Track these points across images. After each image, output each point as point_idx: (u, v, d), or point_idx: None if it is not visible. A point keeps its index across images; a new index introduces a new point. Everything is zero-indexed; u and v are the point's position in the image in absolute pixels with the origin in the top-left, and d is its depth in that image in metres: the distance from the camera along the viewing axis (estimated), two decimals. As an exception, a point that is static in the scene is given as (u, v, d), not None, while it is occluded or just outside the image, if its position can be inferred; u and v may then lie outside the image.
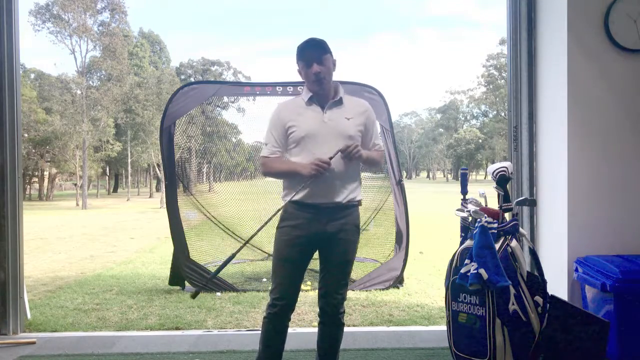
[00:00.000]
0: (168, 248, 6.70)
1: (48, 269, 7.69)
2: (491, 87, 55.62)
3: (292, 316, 2.60)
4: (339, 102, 2.59)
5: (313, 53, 2.53)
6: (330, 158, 2.43)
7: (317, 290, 2.64)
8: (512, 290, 2.64)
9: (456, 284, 2.75)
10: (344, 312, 2.64)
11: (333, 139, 2.49)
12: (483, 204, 2.96)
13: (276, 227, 2.60)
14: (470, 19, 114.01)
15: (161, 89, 32.57)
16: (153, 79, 34.03)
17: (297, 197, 2.49)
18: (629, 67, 3.37)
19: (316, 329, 2.69)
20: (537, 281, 2.81)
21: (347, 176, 2.52)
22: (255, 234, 2.64)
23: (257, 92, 6.30)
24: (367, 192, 7.01)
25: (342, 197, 2.50)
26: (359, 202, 2.62)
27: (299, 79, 2.69)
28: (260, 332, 2.59)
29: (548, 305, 2.80)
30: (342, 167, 2.49)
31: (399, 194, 5.92)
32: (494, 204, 2.98)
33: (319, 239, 2.52)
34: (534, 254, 3.08)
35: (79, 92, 32.34)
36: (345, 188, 2.52)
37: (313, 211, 2.49)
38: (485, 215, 2.77)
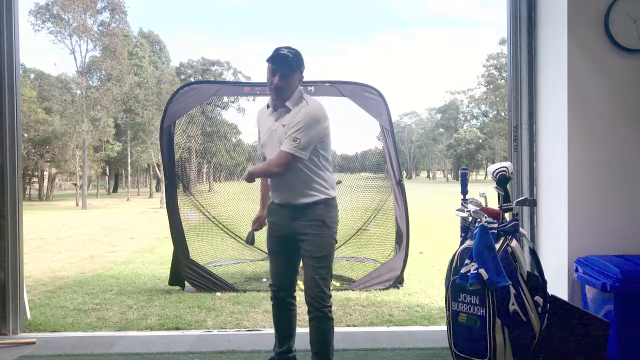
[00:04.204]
0: (168, 248, 6.70)
1: (48, 269, 7.69)
2: (491, 87, 55.67)
3: None
4: (287, 110, 2.68)
5: (282, 66, 2.62)
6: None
7: None
8: (512, 290, 2.64)
9: (456, 284, 2.75)
10: (330, 306, 2.71)
11: (273, 146, 2.67)
12: (483, 204, 2.96)
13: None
14: (470, 19, 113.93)
15: (161, 89, 32.61)
16: (153, 79, 34.06)
17: (271, 198, 2.81)
18: (629, 67, 3.37)
19: None
20: (537, 281, 2.81)
21: (293, 183, 2.65)
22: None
23: (257, 92, 6.30)
24: (367, 192, 7.02)
25: (298, 200, 2.67)
26: (323, 200, 2.69)
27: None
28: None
29: (548, 305, 2.80)
30: (292, 174, 2.62)
31: (399, 194, 5.92)
32: (494, 204, 2.98)
33: (290, 236, 2.73)
34: (534, 254, 3.08)
35: (78, 92, 32.38)
36: (294, 194, 2.67)
37: (280, 210, 2.75)
38: (486, 215, 2.77)
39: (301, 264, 2.85)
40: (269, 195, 2.91)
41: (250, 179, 2.65)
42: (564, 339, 2.81)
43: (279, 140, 2.63)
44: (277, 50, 2.65)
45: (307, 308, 2.74)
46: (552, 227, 3.65)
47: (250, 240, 3.09)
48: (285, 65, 2.62)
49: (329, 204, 2.72)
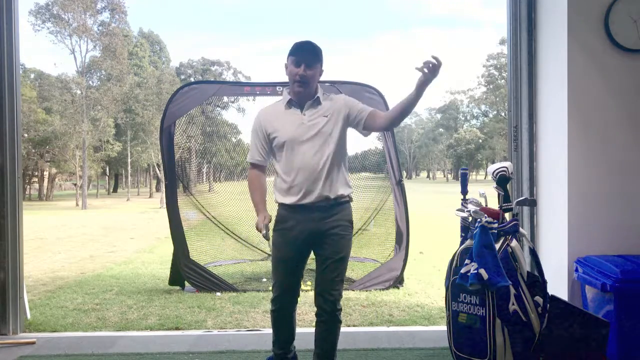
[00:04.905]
0: (168, 248, 6.70)
1: (48, 269, 7.69)
2: (491, 87, 55.66)
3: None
4: (317, 102, 2.64)
5: (307, 55, 2.59)
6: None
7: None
8: (512, 291, 2.63)
9: (456, 284, 2.75)
10: (341, 309, 2.66)
11: (312, 138, 2.58)
12: (483, 204, 2.96)
13: (272, 229, 2.70)
14: (471, 18, 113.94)
15: (161, 89, 32.58)
16: (153, 79, 34.02)
17: (287, 201, 2.61)
18: (629, 67, 3.37)
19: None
20: (537, 281, 2.81)
21: (330, 175, 2.58)
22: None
23: (257, 92, 6.31)
24: (367, 192, 7.02)
25: (329, 195, 2.58)
26: (349, 198, 2.69)
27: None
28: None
29: (548, 305, 2.80)
30: (323, 167, 2.56)
31: (399, 194, 5.92)
32: (494, 204, 2.97)
33: (313, 237, 2.62)
34: (534, 254, 3.08)
35: (79, 92, 32.36)
36: (331, 186, 2.59)
37: (305, 211, 2.59)
38: (486, 215, 2.76)
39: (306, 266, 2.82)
40: (265, 196, 2.80)
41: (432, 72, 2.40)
42: (564, 339, 2.81)
43: (320, 131, 2.57)
44: (298, 43, 2.61)
45: (314, 309, 2.69)
46: (552, 227, 3.65)
47: (268, 236, 2.72)
48: (312, 53, 2.59)
49: (350, 202, 2.72)
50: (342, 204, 2.64)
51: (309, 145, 2.57)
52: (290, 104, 2.66)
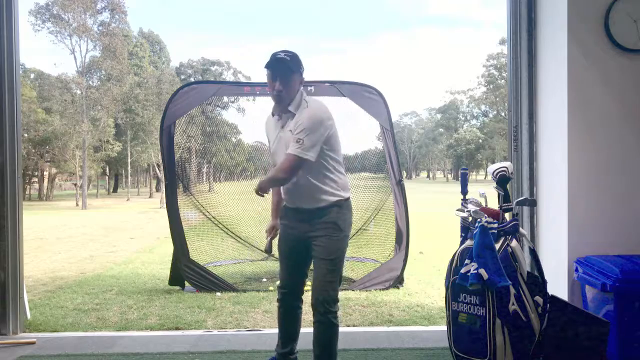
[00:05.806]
0: (168, 248, 6.70)
1: (48, 269, 7.70)
2: (491, 87, 55.61)
3: None
4: (291, 115, 2.65)
5: (280, 70, 2.60)
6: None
7: None
8: (512, 290, 2.64)
9: (456, 284, 2.75)
10: (336, 312, 2.66)
11: (280, 153, 2.66)
12: (483, 204, 2.96)
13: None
14: (471, 18, 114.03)
15: (161, 89, 32.59)
16: (153, 79, 34.03)
17: (283, 202, 2.83)
18: (629, 67, 3.37)
19: None
20: (537, 281, 2.81)
21: (305, 187, 2.64)
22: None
23: (257, 92, 6.30)
24: (367, 192, 7.02)
25: (312, 203, 2.66)
26: (336, 202, 2.68)
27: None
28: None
29: (548, 305, 2.80)
30: (296, 182, 2.62)
31: (399, 194, 5.92)
32: (494, 204, 2.98)
33: (303, 238, 2.72)
34: (534, 254, 3.08)
35: (78, 92, 32.37)
36: (314, 194, 2.65)
37: (295, 213, 2.75)
38: (486, 215, 2.77)
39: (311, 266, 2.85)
40: (280, 203, 2.90)
41: (261, 192, 2.60)
42: (564, 339, 2.81)
43: (286, 147, 2.60)
44: (274, 55, 2.63)
45: (312, 310, 2.71)
46: (552, 227, 3.65)
47: (269, 249, 3.06)
48: (285, 69, 2.60)
49: (343, 205, 2.70)
50: (327, 208, 2.66)
51: (278, 160, 2.67)
52: (276, 115, 2.73)
